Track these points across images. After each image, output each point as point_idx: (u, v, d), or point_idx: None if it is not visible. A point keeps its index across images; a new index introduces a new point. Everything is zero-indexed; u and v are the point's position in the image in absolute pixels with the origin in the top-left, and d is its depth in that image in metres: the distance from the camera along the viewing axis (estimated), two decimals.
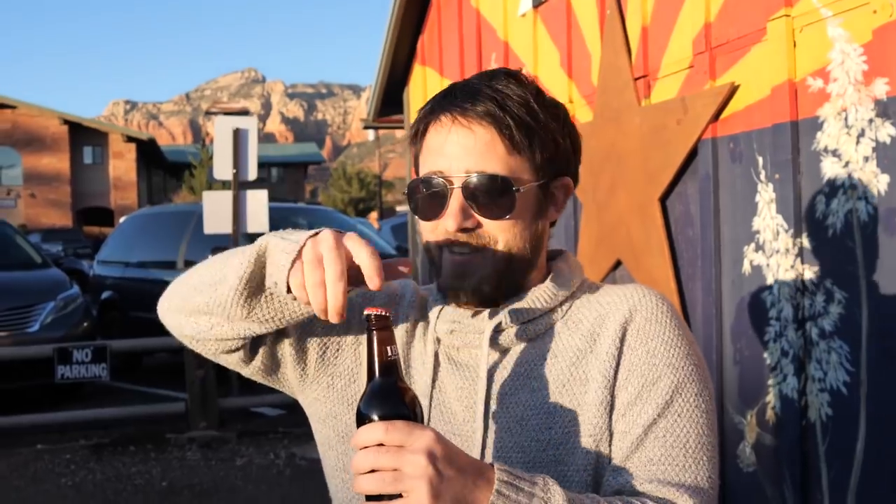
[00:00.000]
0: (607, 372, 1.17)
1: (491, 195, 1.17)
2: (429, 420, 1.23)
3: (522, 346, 1.23)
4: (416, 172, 1.27)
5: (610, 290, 1.27)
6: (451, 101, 1.20)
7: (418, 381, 1.27)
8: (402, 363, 1.03)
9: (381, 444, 0.95)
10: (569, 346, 1.21)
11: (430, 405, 1.24)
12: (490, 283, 1.20)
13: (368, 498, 0.96)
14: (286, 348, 1.29)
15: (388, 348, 1.00)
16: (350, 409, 1.28)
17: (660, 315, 1.20)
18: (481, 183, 1.17)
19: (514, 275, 1.22)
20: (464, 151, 1.17)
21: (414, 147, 1.27)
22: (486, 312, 1.23)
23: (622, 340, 1.18)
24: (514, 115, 1.17)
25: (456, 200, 1.17)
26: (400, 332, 1.31)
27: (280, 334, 1.28)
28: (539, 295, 1.23)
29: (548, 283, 1.25)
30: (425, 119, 1.23)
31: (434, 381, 1.26)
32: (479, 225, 1.19)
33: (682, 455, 1.12)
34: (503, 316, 1.22)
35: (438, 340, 1.27)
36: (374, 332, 1.00)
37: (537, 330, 1.23)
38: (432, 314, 1.28)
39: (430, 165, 1.21)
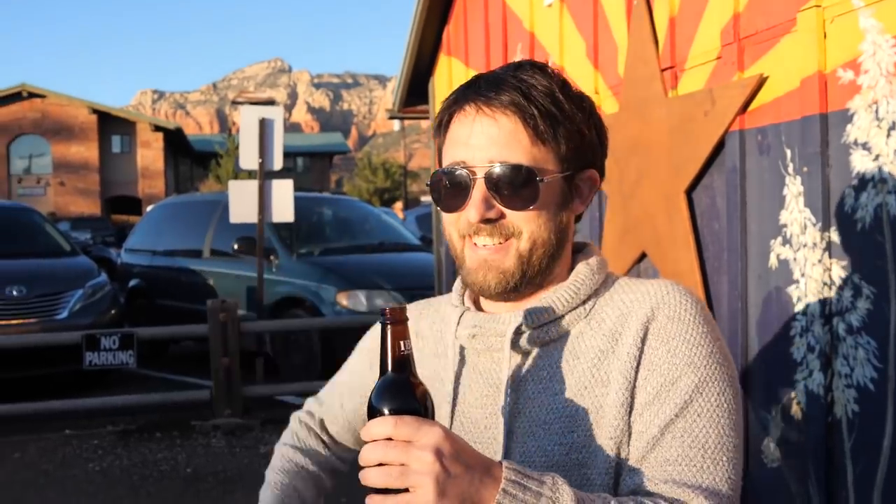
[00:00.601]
0: (628, 373, 1.15)
1: (514, 185, 1.16)
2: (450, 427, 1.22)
3: (544, 347, 1.22)
4: (440, 164, 1.26)
5: (633, 286, 1.24)
6: (476, 91, 1.19)
7: (441, 390, 1.26)
8: (414, 359, 1.02)
9: (389, 438, 0.95)
10: (590, 347, 1.19)
11: (453, 415, 1.24)
12: (514, 275, 1.19)
13: (376, 491, 0.97)
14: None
15: (402, 343, 1.00)
16: None
17: (683, 313, 1.17)
18: (504, 173, 1.15)
19: (538, 267, 1.20)
20: (487, 141, 1.16)
21: (438, 138, 1.27)
22: (508, 316, 1.21)
23: (643, 340, 1.16)
24: (538, 104, 1.16)
25: (479, 191, 1.17)
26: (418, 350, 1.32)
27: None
28: (561, 295, 1.22)
29: (570, 281, 1.23)
30: (449, 109, 1.23)
31: (456, 391, 1.25)
32: (502, 216, 1.18)
33: (700, 456, 1.09)
34: (524, 317, 1.20)
35: (462, 348, 1.26)
36: (389, 326, 1.00)
37: (559, 331, 1.22)
38: (452, 321, 1.27)
39: (453, 156, 1.20)
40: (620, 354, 1.16)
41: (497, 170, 1.16)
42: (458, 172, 1.19)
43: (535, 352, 1.22)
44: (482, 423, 1.22)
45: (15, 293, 7.64)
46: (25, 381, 7.75)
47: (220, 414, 6.49)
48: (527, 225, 1.18)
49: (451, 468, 0.95)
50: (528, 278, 1.20)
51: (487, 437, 1.21)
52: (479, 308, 1.29)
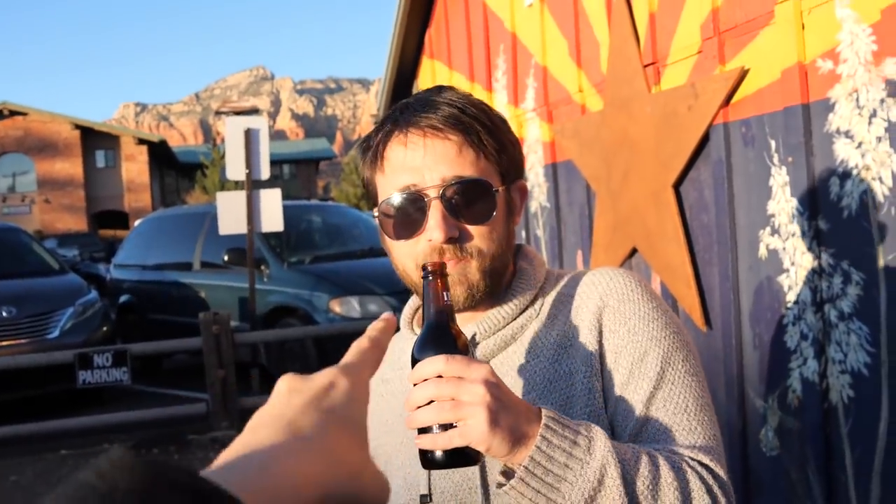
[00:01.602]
0: (590, 360, 1.18)
1: (471, 200, 1.18)
2: None
3: (502, 353, 1.25)
4: (373, 200, 1.26)
5: (576, 278, 1.28)
6: (410, 114, 1.20)
7: (402, 415, 1.27)
8: (454, 312, 1.07)
9: (439, 378, 0.98)
10: (547, 344, 1.22)
11: None
12: (479, 287, 1.20)
13: (421, 431, 0.99)
14: None
15: (444, 294, 1.05)
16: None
17: (630, 293, 1.21)
18: (461, 188, 1.17)
19: (498, 278, 1.23)
20: (434, 161, 1.17)
21: (369, 170, 1.25)
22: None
23: (600, 327, 1.20)
24: (479, 119, 1.19)
25: (436, 211, 1.16)
26: (376, 385, 1.33)
27: None
28: (510, 299, 1.25)
29: (515, 284, 1.26)
30: (383, 138, 1.21)
31: None
32: (460, 233, 1.18)
33: (685, 419, 1.14)
34: (476, 328, 1.23)
35: None
36: (431, 278, 1.05)
37: (514, 334, 1.24)
38: (407, 344, 1.28)
39: (397, 183, 1.19)
40: (579, 346, 1.20)
41: (453, 186, 1.16)
42: (410, 197, 1.17)
43: (493, 359, 1.25)
44: None
45: (5, 314, 7.61)
46: (19, 402, 7.71)
47: (218, 427, 6.48)
48: (485, 239, 1.20)
49: (501, 399, 0.98)
50: (491, 289, 1.22)
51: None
52: None
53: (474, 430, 0.96)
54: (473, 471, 1.21)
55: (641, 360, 1.17)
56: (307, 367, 7.77)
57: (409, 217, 1.18)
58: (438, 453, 0.99)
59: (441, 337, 1.02)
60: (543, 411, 1.02)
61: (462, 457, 0.99)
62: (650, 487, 1.03)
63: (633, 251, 3.38)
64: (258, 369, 7.53)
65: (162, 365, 10.09)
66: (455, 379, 0.98)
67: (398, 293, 7.58)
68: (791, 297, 2.53)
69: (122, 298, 10.27)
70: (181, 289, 9.32)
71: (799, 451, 2.52)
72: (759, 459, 2.71)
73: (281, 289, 8.25)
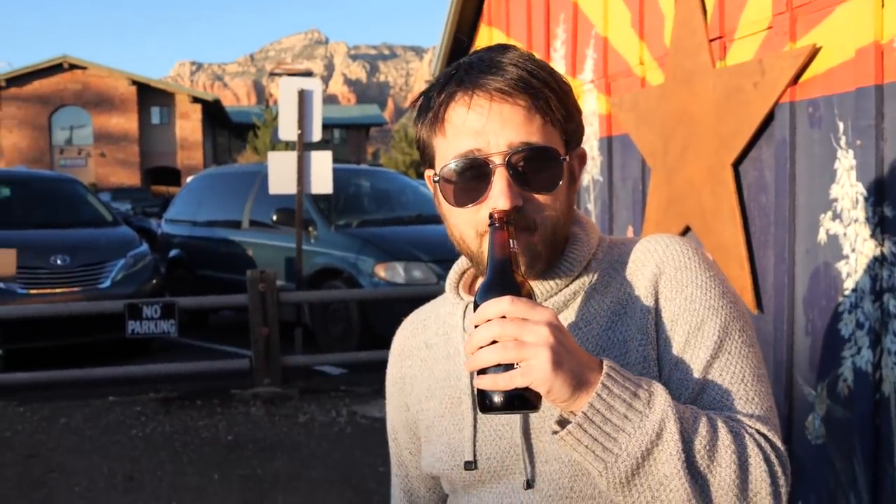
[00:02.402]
0: (646, 328, 1.17)
1: (538, 168, 1.14)
2: (474, 423, 1.23)
3: None
4: (428, 163, 1.22)
5: (630, 245, 1.25)
6: (474, 76, 1.14)
7: (457, 385, 1.27)
8: (519, 259, 1.09)
9: (502, 318, 0.98)
10: (601, 311, 1.20)
11: (475, 405, 1.22)
12: (542, 256, 1.18)
13: (480, 372, 0.99)
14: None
15: (510, 241, 1.06)
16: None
17: (687, 261, 1.19)
18: (529, 155, 1.13)
19: (560, 246, 1.21)
20: (501, 125, 1.12)
21: (428, 132, 1.20)
22: None
23: (656, 295, 1.18)
24: (548, 84, 1.15)
25: (501, 178, 1.12)
26: (418, 349, 1.36)
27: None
28: (563, 265, 1.22)
29: (569, 250, 1.23)
30: (448, 100, 1.16)
31: (472, 380, 1.26)
32: (525, 201, 1.14)
33: (742, 390, 1.13)
34: None
35: None
36: (497, 225, 1.07)
37: (566, 301, 1.22)
38: (457, 316, 1.29)
39: (459, 147, 1.14)
40: (634, 313, 1.18)
41: (520, 153, 1.12)
42: (474, 161, 1.13)
43: None
44: None
45: (59, 262, 7.78)
46: (70, 348, 7.92)
47: (260, 383, 6.58)
48: (549, 207, 1.16)
49: (565, 343, 0.99)
50: (552, 258, 1.20)
51: (513, 417, 1.20)
52: None
53: (537, 370, 0.96)
54: (519, 437, 1.19)
55: (699, 329, 1.15)
56: (350, 329, 7.84)
57: (472, 183, 1.14)
58: (497, 396, 0.98)
59: (506, 282, 1.02)
60: (605, 362, 1.02)
61: (521, 400, 0.98)
62: (707, 448, 1.02)
63: (687, 229, 3.32)
64: (301, 329, 7.62)
65: (208, 320, 10.26)
66: (519, 320, 0.97)
67: (443, 261, 7.58)
68: (849, 284, 2.46)
69: (172, 253, 10.44)
70: (229, 246, 9.44)
71: (846, 441, 2.47)
72: (803, 447, 2.66)
73: (327, 251, 8.30)
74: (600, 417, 0.99)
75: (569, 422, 1.02)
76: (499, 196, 1.11)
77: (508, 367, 0.97)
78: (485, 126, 1.12)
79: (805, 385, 2.68)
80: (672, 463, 1.00)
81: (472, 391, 1.22)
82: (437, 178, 1.19)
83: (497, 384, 0.97)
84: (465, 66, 1.17)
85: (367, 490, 4.69)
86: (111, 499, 4.64)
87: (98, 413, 6.18)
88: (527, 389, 0.97)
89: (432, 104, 1.18)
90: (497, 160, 1.12)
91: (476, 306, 1.02)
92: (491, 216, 1.07)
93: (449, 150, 1.16)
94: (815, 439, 2.62)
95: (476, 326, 0.99)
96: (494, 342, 0.97)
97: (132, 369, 6.99)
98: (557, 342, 0.97)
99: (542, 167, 1.14)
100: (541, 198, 1.15)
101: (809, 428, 2.64)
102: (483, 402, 1.00)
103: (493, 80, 1.13)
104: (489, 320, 0.98)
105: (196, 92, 48.28)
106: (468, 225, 1.18)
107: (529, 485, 1.18)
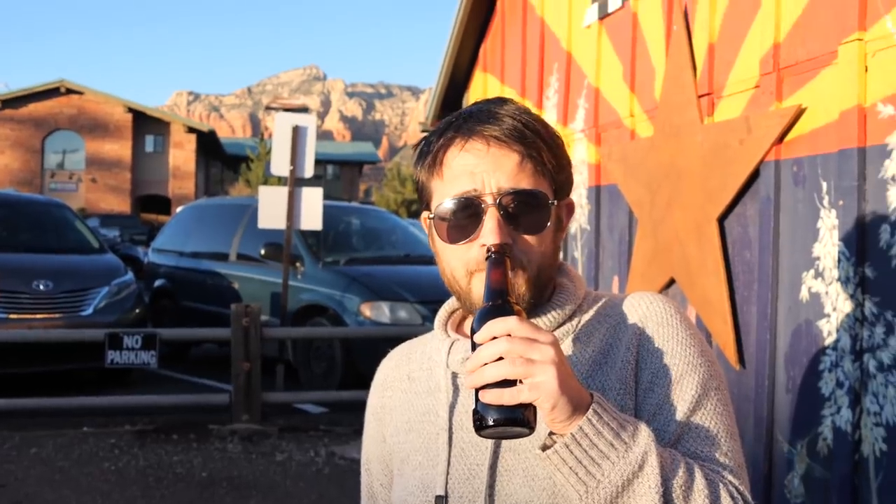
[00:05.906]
0: (625, 378, 1.20)
1: (527, 210, 1.20)
2: (448, 459, 1.24)
3: None
4: (425, 204, 1.27)
5: (615, 301, 1.30)
6: (473, 124, 1.21)
7: (436, 422, 1.28)
8: (512, 285, 1.12)
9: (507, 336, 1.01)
10: (582, 359, 1.23)
11: (450, 442, 1.25)
12: (525, 300, 1.21)
13: (484, 387, 1.01)
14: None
15: (507, 272, 1.11)
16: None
17: (669, 318, 1.23)
18: (519, 198, 1.19)
19: (541, 291, 1.25)
20: (495, 169, 1.19)
21: (427, 175, 1.26)
22: None
23: (637, 348, 1.22)
24: (541, 136, 1.21)
25: (493, 217, 1.18)
26: (401, 381, 1.37)
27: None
28: (547, 312, 1.25)
29: (555, 299, 1.27)
30: (446, 144, 1.23)
31: (451, 418, 1.26)
32: (513, 241, 1.19)
33: (717, 444, 1.16)
34: None
35: (454, 375, 1.29)
36: (494, 258, 1.12)
37: None
38: (441, 352, 1.30)
39: (457, 188, 1.21)
40: (615, 363, 1.21)
41: (510, 195, 1.18)
42: (468, 201, 1.19)
43: None
44: (482, 444, 1.23)
45: (41, 287, 7.71)
46: (46, 376, 7.82)
47: (238, 419, 6.50)
48: (535, 250, 1.21)
49: (566, 365, 1.03)
50: (534, 301, 1.23)
51: (481, 459, 1.22)
52: (466, 337, 1.31)
53: (545, 385, 1.00)
54: (486, 476, 1.20)
55: (678, 383, 1.19)
56: (332, 367, 7.79)
57: (465, 221, 1.20)
58: (498, 413, 0.99)
59: (505, 308, 1.05)
60: (594, 393, 1.07)
61: (521, 419, 1.00)
62: (684, 488, 1.06)
63: (671, 282, 3.33)
64: (284, 366, 7.56)
65: (190, 352, 10.17)
66: (526, 339, 1.01)
67: (429, 302, 7.56)
68: (829, 342, 2.47)
69: (157, 283, 10.37)
70: (215, 278, 9.39)
71: (825, 501, 2.46)
72: None
73: (314, 287, 8.27)
74: (587, 441, 1.03)
75: (555, 443, 1.05)
76: (489, 233, 1.17)
77: (513, 383, 1.00)
78: (479, 168, 1.19)
79: (785, 443, 2.67)
80: (650, 496, 1.03)
81: (450, 427, 1.25)
82: (432, 217, 1.25)
83: (503, 398, 1.00)
84: (464, 115, 1.24)
85: None
86: None
87: (71, 443, 6.08)
88: (528, 409, 1.00)
89: (431, 148, 1.25)
90: (489, 200, 1.18)
91: (473, 332, 1.04)
92: (489, 249, 1.13)
93: (445, 191, 1.22)
94: (795, 498, 2.60)
95: (478, 345, 1.03)
96: (500, 359, 1.00)
97: (109, 399, 6.90)
98: (562, 363, 1.02)
99: (531, 210, 1.20)
100: (529, 238, 1.20)
101: (789, 486, 2.63)
102: (480, 421, 1.01)
103: (490, 128, 1.20)
104: (495, 338, 1.01)
105: (191, 122, 48.46)
106: (459, 262, 1.22)
107: None
